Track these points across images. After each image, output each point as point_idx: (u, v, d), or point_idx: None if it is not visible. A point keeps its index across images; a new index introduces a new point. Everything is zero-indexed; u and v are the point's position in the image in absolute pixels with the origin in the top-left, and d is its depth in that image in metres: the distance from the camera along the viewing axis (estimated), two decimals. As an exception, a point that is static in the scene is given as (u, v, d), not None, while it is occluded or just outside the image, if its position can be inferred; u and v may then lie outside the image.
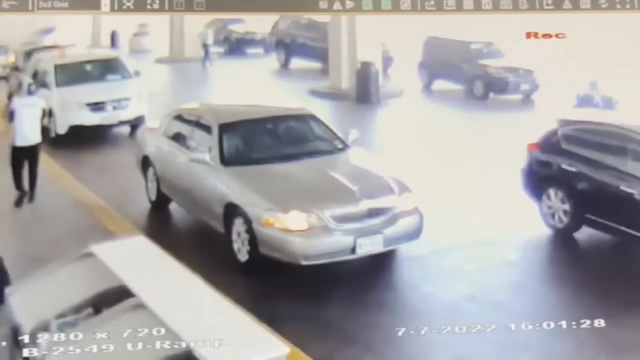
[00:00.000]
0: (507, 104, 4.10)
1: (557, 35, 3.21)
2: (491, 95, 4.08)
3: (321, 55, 4.14)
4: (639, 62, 3.15)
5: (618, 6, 3.08)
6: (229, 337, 2.14)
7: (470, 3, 3.04)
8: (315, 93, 3.95)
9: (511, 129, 3.86)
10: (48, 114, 3.80)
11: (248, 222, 2.93)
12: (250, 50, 4.47)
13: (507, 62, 4.11)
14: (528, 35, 3.24)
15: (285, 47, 4.38)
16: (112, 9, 2.87)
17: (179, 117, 3.47)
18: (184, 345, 2.10)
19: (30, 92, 3.44)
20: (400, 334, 2.57)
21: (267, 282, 2.86)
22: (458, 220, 3.21)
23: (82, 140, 3.74)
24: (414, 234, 3.03)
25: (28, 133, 3.22)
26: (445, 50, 4.06)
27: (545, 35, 3.21)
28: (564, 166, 3.10)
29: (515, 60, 4.09)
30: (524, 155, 3.36)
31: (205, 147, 3.24)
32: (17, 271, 2.67)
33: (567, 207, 3.05)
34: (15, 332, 2.38)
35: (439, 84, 4.05)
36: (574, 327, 2.61)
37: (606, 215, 2.98)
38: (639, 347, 2.54)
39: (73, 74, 3.91)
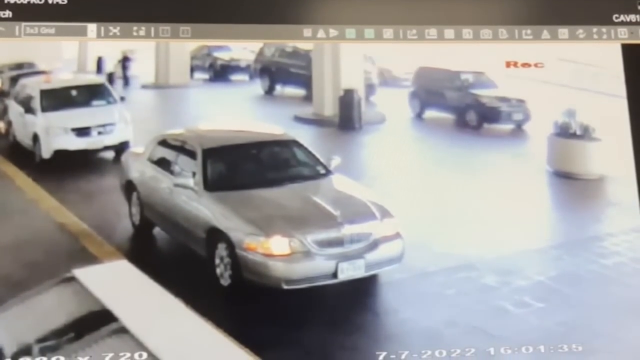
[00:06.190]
0: (491, 132, 4.14)
1: (536, 65, 3.27)
2: (485, 125, 4.09)
3: (305, 82, 4.19)
4: (615, 91, 3.20)
5: (595, 37, 3.15)
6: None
7: (452, 33, 3.09)
8: (299, 119, 3.98)
9: (492, 155, 3.91)
10: (33, 138, 3.82)
11: (231, 246, 2.94)
12: (235, 77, 4.51)
13: (493, 92, 4.12)
14: (508, 64, 3.29)
15: (270, 74, 4.43)
16: (99, 36, 2.90)
17: (164, 143, 3.49)
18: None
19: None
20: (381, 358, 2.59)
21: (249, 307, 2.87)
22: (439, 245, 3.24)
23: (66, 165, 3.75)
24: (396, 258, 3.05)
25: None
26: (436, 79, 4.09)
27: (524, 65, 3.27)
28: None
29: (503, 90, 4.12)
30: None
31: (189, 172, 3.26)
32: (-1, 295, 2.67)
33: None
34: (-4, 356, 2.38)
35: (427, 113, 4.08)
36: (552, 351, 2.65)
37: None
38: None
39: (58, 99, 3.92)
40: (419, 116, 4.06)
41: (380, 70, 4.16)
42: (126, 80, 4.08)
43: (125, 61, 4.08)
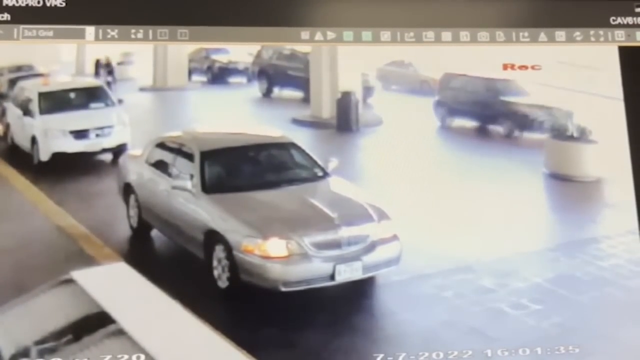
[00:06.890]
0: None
1: (533, 67, 3.27)
2: (516, 133, 4.00)
3: (302, 84, 4.19)
4: (611, 93, 3.21)
5: (592, 39, 3.16)
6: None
7: (449, 35, 3.10)
8: (297, 122, 3.99)
9: (490, 157, 3.91)
10: (31, 141, 3.82)
11: (228, 248, 2.95)
12: (233, 80, 4.51)
13: (525, 100, 4.00)
14: (505, 66, 3.30)
15: (268, 76, 4.44)
16: (97, 38, 2.91)
17: (162, 145, 3.49)
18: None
19: None
20: (378, 359, 2.60)
21: (247, 309, 2.87)
22: (437, 247, 3.24)
23: (64, 167, 3.75)
24: (393, 260, 3.06)
25: None
26: (465, 87, 4.03)
27: (521, 67, 3.28)
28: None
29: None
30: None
31: (187, 175, 3.26)
32: (-3, 297, 2.67)
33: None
34: (-6, 358, 2.38)
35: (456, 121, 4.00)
36: (549, 353, 2.66)
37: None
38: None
39: (57, 101, 3.92)
40: (444, 125, 4.00)
41: (425, 79, 4.10)
42: (108, 86, 4.07)
43: (106, 67, 4.07)
